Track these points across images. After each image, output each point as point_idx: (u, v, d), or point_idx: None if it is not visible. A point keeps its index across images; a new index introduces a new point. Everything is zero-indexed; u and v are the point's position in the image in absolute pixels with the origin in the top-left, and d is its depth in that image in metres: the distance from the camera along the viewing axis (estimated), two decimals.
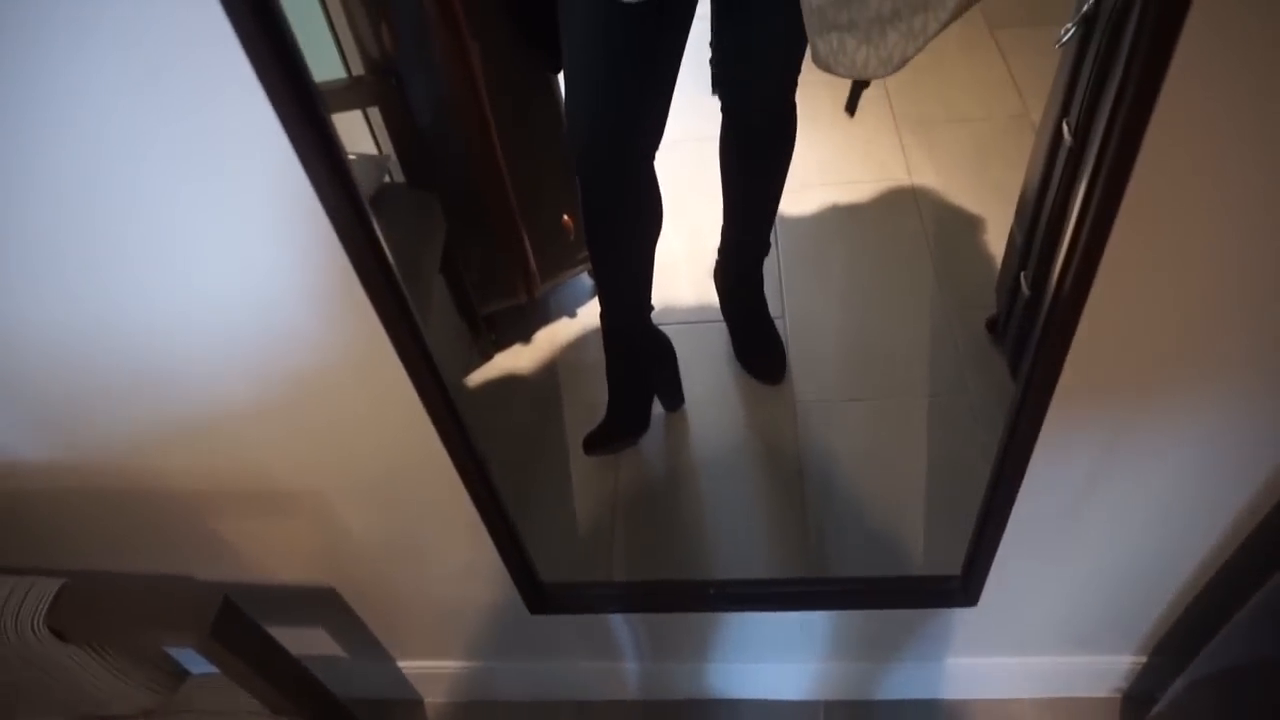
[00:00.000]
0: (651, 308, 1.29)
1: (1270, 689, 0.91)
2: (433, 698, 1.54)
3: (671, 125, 1.07)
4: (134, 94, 0.63)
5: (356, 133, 1.08)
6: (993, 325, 1.14)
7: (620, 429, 1.37)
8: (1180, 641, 1.24)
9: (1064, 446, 0.91)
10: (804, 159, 1.14)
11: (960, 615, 1.23)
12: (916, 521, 1.23)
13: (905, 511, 1.24)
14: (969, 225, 1.28)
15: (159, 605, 0.97)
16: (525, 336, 1.37)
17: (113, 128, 0.66)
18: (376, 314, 0.77)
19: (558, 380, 1.39)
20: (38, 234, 0.74)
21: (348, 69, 1.02)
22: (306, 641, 1.31)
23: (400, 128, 1.10)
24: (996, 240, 1.10)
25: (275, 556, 1.18)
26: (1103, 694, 1.41)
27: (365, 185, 0.68)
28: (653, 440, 1.37)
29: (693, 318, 1.39)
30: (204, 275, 0.77)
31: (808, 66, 0.91)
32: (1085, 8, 0.66)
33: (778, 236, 1.35)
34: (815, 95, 1.07)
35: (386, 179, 1.12)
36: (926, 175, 1.31)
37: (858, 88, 0.96)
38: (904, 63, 0.75)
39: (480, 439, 0.93)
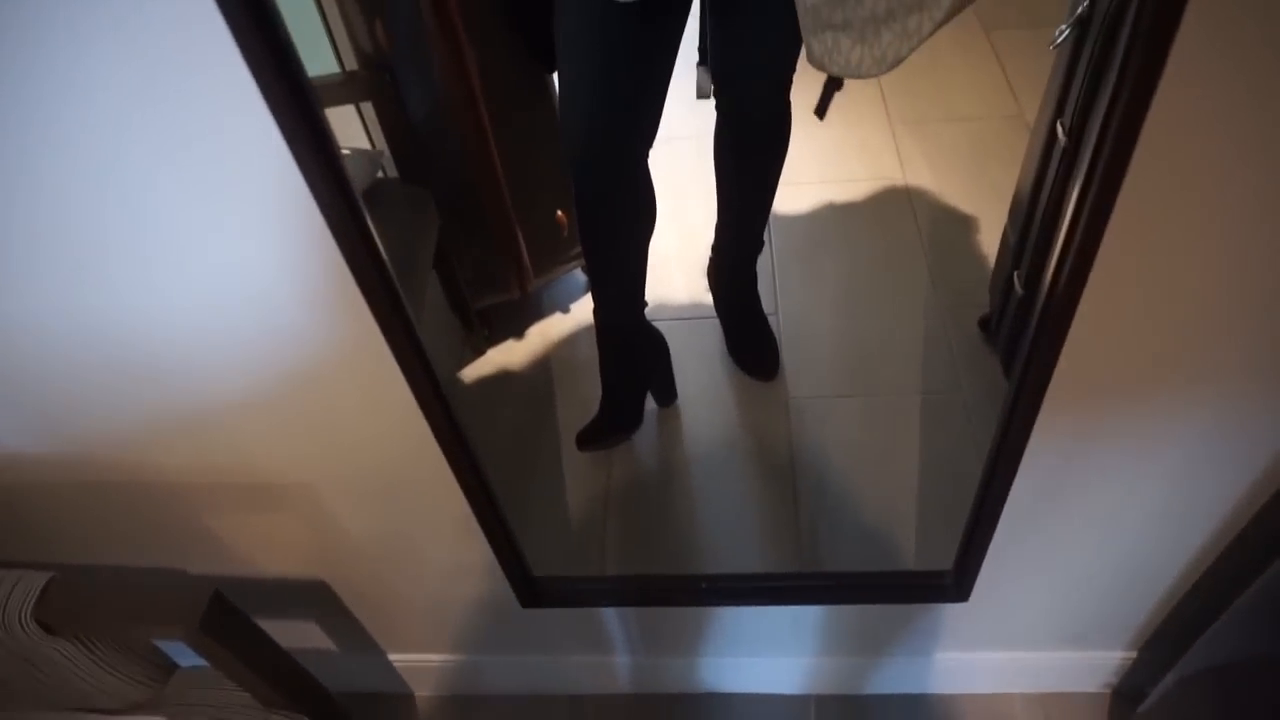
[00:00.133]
0: (645, 304, 1.29)
1: (1260, 685, 0.92)
2: (423, 691, 1.54)
3: (665, 122, 1.07)
4: (126, 89, 0.63)
5: (350, 128, 1.07)
6: (986, 324, 1.14)
7: (613, 425, 1.37)
8: (1171, 638, 1.24)
9: (1056, 444, 0.92)
10: (798, 157, 1.14)
11: (952, 610, 1.23)
12: (908, 517, 1.23)
13: (897, 507, 1.25)
14: (963, 224, 1.28)
15: (148, 598, 0.97)
16: (519, 332, 1.37)
17: (104, 122, 0.65)
18: (370, 309, 0.77)
19: (551, 376, 1.39)
20: (29, 229, 0.74)
21: (341, 64, 1.02)
22: (297, 635, 1.31)
23: (394, 123, 1.10)
24: (990, 239, 1.10)
25: (266, 550, 1.18)
26: (1093, 689, 1.42)
27: (359, 180, 0.68)
28: (646, 436, 1.37)
29: (686, 314, 1.39)
30: (196, 270, 0.77)
31: (803, 65, 0.91)
32: (1080, 9, 0.67)
33: (771, 234, 1.35)
34: (811, 93, 1.07)
35: (380, 174, 1.12)
36: (921, 174, 1.31)
37: (829, 90, 0.96)
38: (898, 62, 0.75)
39: (473, 434, 0.93)
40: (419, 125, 1.13)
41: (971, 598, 1.14)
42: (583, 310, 1.36)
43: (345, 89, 1.04)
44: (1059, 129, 0.73)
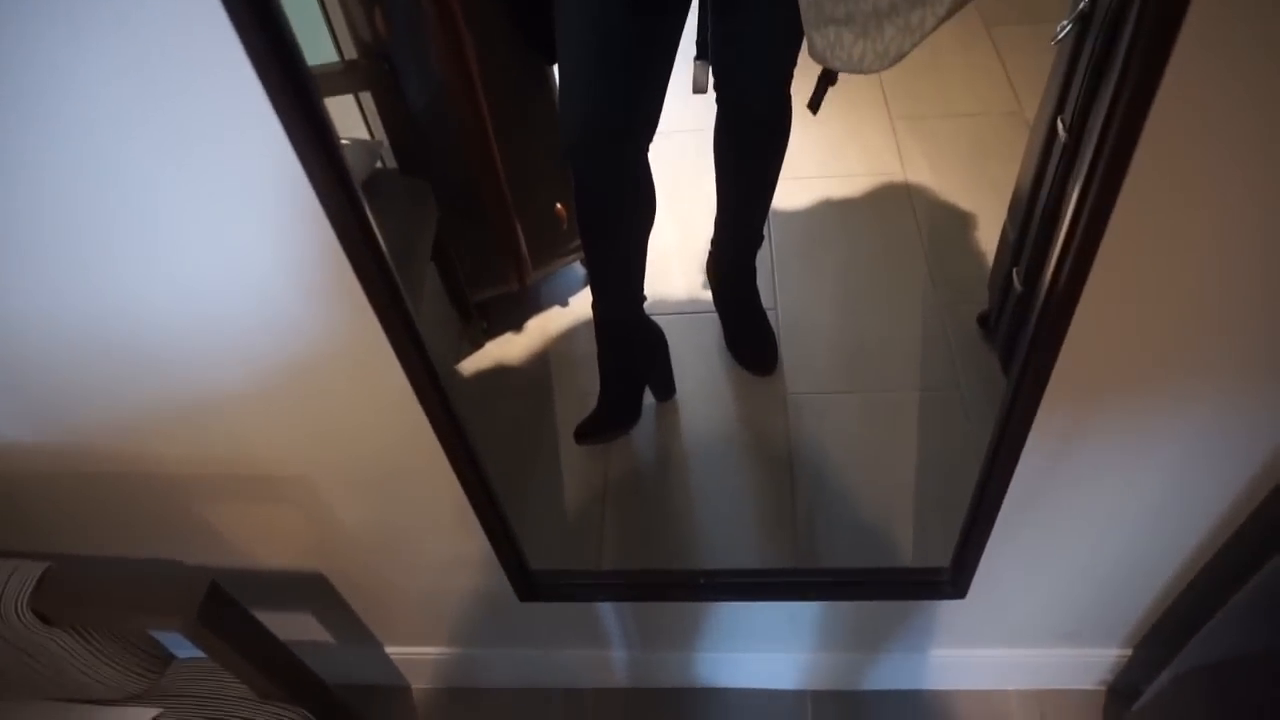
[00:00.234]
0: (644, 298, 1.29)
1: (1254, 683, 0.92)
2: (420, 683, 1.54)
3: (666, 116, 1.07)
4: (123, 78, 0.63)
5: (349, 118, 1.07)
6: (985, 320, 1.14)
7: (611, 419, 1.37)
8: (1166, 635, 1.25)
9: (1054, 441, 0.92)
10: (798, 152, 1.14)
11: (948, 607, 1.23)
12: (906, 514, 1.23)
13: (895, 504, 1.25)
14: (962, 220, 1.28)
15: (145, 589, 0.97)
16: (517, 325, 1.37)
17: (102, 113, 0.65)
18: (368, 300, 0.77)
19: (549, 369, 1.39)
20: (28, 221, 0.73)
21: (340, 53, 1.01)
22: (294, 627, 1.31)
23: (393, 113, 1.09)
24: (989, 235, 1.10)
25: (264, 542, 1.18)
26: (1088, 686, 1.42)
27: (357, 171, 0.67)
28: (644, 430, 1.37)
29: (685, 308, 1.39)
30: (194, 261, 0.77)
31: (803, 59, 0.91)
32: (1081, 5, 0.66)
33: (771, 229, 1.35)
34: (811, 88, 1.07)
35: (379, 165, 1.12)
36: (921, 170, 1.31)
37: (823, 85, 0.96)
38: (900, 57, 0.75)
39: (470, 426, 0.93)
40: (418, 116, 1.12)
41: (968, 595, 1.15)
42: (581, 304, 1.36)
43: (344, 78, 1.04)
44: (1059, 125, 0.73)
